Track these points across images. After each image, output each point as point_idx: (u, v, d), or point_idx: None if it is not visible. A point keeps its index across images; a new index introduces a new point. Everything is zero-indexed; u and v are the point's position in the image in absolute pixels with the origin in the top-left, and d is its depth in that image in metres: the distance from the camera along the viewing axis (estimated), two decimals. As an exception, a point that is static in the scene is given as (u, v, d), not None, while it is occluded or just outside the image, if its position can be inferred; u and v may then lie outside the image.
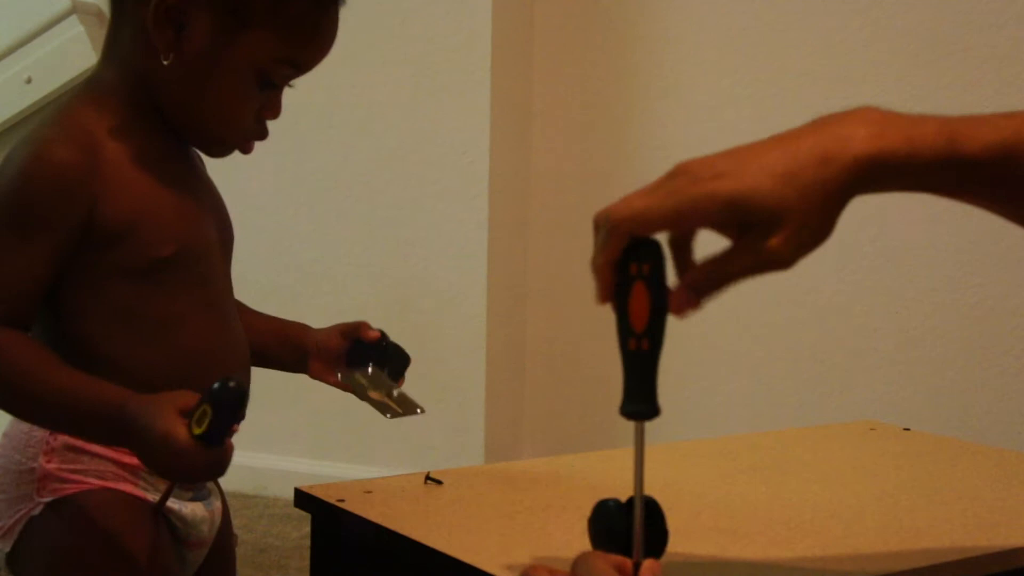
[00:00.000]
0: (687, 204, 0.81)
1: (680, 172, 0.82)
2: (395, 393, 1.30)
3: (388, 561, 1.09)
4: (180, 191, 1.18)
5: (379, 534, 1.08)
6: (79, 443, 1.15)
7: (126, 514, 1.15)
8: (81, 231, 1.11)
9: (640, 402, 0.84)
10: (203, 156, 1.27)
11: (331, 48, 1.19)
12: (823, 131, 0.82)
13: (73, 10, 3.24)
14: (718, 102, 2.96)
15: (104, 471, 1.16)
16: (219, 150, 1.22)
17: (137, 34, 1.15)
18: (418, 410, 1.28)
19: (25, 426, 1.16)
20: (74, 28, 3.25)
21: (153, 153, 1.16)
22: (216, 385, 1.00)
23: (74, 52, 3.27)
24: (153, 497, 1.18)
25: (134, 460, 1.15)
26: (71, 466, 1.15)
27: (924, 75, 2.67)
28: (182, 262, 1.17)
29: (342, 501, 1.15)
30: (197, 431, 1.01)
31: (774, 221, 0.80)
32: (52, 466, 1.15)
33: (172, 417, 1.01)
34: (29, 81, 3.31)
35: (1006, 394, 2.66)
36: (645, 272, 0.83)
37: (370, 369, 1.31)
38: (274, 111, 1.20)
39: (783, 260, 0.82)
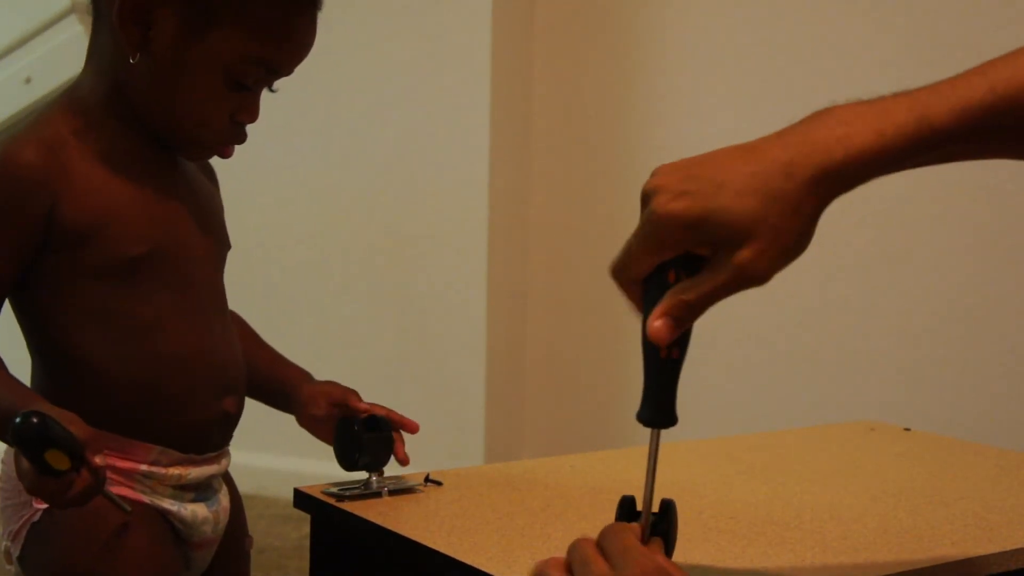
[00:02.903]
0: (652, 234, 0.80)
1: (647, 195, 0.81)
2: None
3: (388, 562, 1.09)
4: (155, 193, 1.18)
5: (379, 534, 1.08)
6: None
7: (119, 517, 1.14)
8: (42, 232, 1.11)
9: (660, 410, 0.84)
10: (211, 166, 1.27)
11: (306, 51, 1.18)
12: (787, 139, 0.81)
13: (72, 10, 3.24)
14: (718, 102, 2.96)
15: None
16: (195, 152, 1.22)
17: (112, 36, 1.15)
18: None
19: None
20: (73, 28, 3.25)
21: (126, 155, 1.16)
22: (16, 419, 0.97)
23: (73, 52, 3.26)
24: (150, 500, 1.18)
25: (128, 464, 1.17)
26: None
27: (924, 75, 2.66)
28: (156, 263, 1.16)
29: (342, 501, 1.15)
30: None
31: (742, 236, 0.79)
32: None
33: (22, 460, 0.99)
34: (28, 81, 3.31)
35: (1006, 394, 2.66)
36: (683, 279, 0.82)
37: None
38: (250, 114, 1.18)
39: (757, 275, 0.80)
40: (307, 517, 1.19)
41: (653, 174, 0.82)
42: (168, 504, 1.19)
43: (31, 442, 0.98)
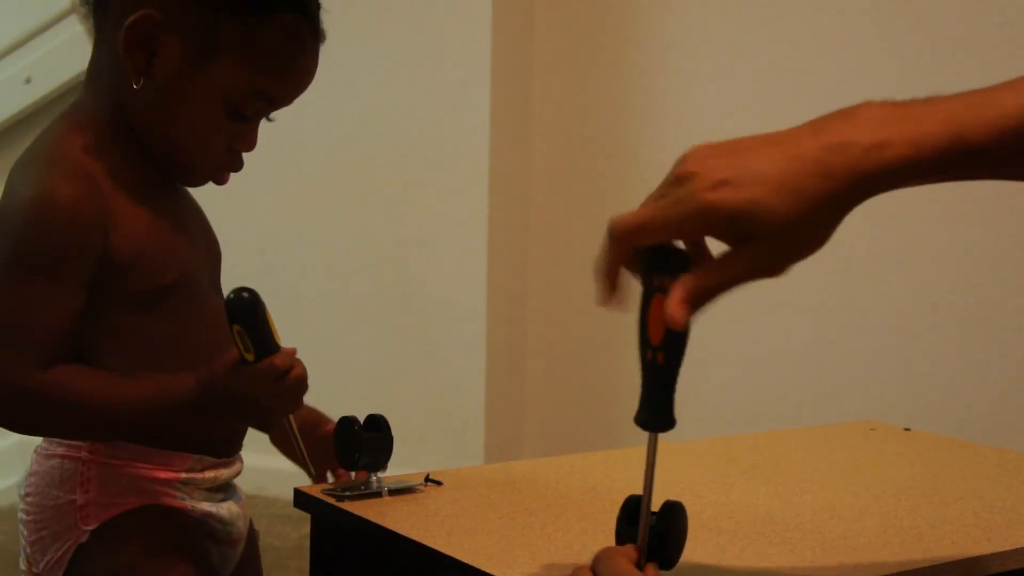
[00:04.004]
0: (688, 216, 0.80)
1: (682, 177, 0.81)
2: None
3: (388, 562, 1.09)
4: (172, 216, 1.19)
5: (379, 534, 1.08)
6: (114, 468, 1.17)
7: (169, 529, 1.18)
8: (98, 263, 1.12)
9: (654, 413, 0.83)
10: None
11: (307, 84, 1.19)
12: (824, 136, 0.80)
13: (72, 10, 3.24)
14: (718, 102, 2.96)
15: (143, 489, 1.18)
16: (191, 179, 1.22)
17: (114, 59, 1.15)
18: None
19: (56, 461, 1.18)
20: (74, 28, 3.25)
21: (142, 181, 1.17)
22: (228, 301, 1.07)
23: (74, 52, 3.26)
24: (192, 505, 1.20)
25: (169, 474, 1.18)
26: (111, 491, 1.17)
27: (924, 75, 2.67)
28: (181, 287, 1.18)
29: (342, 501, 1.15)
30: (250, 357, 1.09)
31: (774, 232, 0.80)
32: (92, 495, 1.17)
33: (231, 363, 1.09)
34: (29, 81, 3.31)
35: (1006, 394, 2.66)
36: (666, 285, 0.82)
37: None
38: (247, 144, 1.19)
39: (776, 270, 0.82)
40: (307, 517, 1.19)
41: (687, 158, 0.82)
42: (207, 506, 1.21)
43: (256, 307, 1.08)
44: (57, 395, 1.09)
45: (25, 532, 1.19)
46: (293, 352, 1.11)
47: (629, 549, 0.85)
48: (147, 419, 1.13)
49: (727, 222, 0.80)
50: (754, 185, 0.79)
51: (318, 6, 1.19)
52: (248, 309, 1.08)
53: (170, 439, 1.18)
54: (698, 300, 0.81)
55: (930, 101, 0.82)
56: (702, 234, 0.82)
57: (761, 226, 0.79)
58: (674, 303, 0.81)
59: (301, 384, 1.12)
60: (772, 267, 0.81)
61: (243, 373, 1.09)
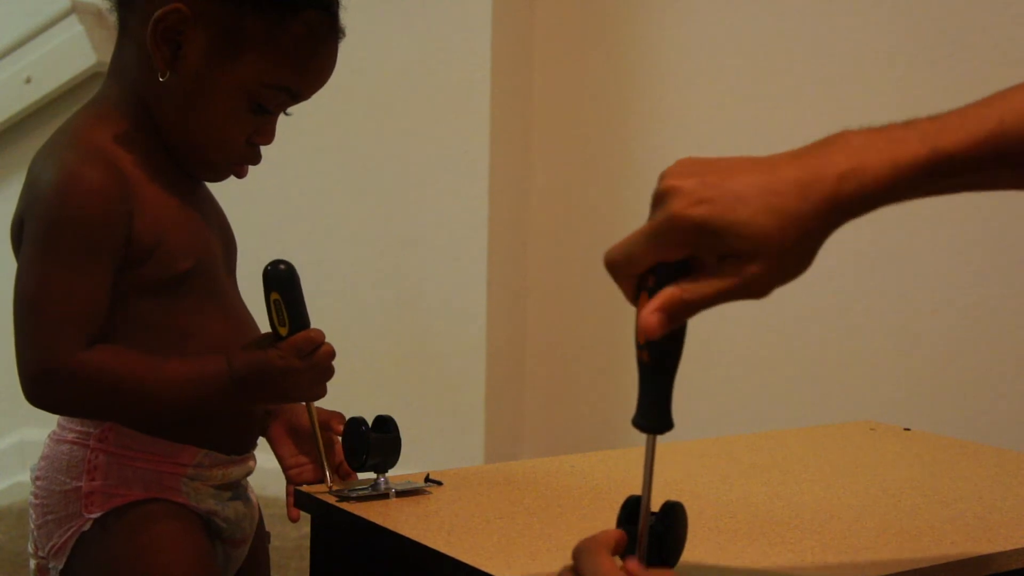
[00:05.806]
0: (664, 232, 0.81)
1: (663, 195, 0.82)
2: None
3: (388, 562, 1.09)
4: (190, 206, 1.21)
5: (379, 534, 1.08)
6: (121, 459, 1.18)
7: (172, 522, 1.18)
8: (125, 247, 1.13)
9: (649, 415, 0.83)
10: None
11: (327, 78, 1.22)
12: (803, 163, 0.82)
13: (73, 10, 3.24)
14: (718, 103, 2.96)
15: (148, 482, 1.18)
16: (212, 172, 1.23)
17: (139, 52, 1.17)
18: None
19: (65, 447, 1.19)
20: (74, 28, 3.25)
21: (162, 170, 1.18)
22: (267, 271, 1.12)
23: (74, 52, 3.27)
24: (195, 503, 1.19)
25: (176, 469, 1.19)
26: (115, 480, 1.17)
27: (924, 76, 2.67)
28: (197, 275, 1.19)
29: (342, 501, 1.15)
30: (283, 331, 1.13)
31: (751, 251, 0.80)
32: (97, 483, 1.17)
33: (262, 344, 1.14)
34: (28, 81, 3.31)
35: (1006, 394, 2.66)
36: (649, 284, 0.83)
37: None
38: (266, 137, 1.21)
39: (758, 290, 0.82)
40: (307, 517, 1.19)
41: (667, 175, 0.83)
42: (212, 504, 1.22)
43: (294, 275, 1.14)
44: (98, 375, 1.10)
45: (33, 515, 1.20)
46: (317, 335, 1.16)
47: (609, 536, 0.84)
48: (184, 399, 1.14)
49: (705, 237, 0.81)
50: (732, 204, 0.80)
51: (338, 3, 1.20)
52: (287, 278, 1.13)
53: (180, 431, 1.19)
54: (675, 312, 0.82)
55: (907, 124, 0.84)
56: (681, 250, 0.82)
57: (737, 242, 0.80)
58: (648, 311, 0.81)
59: (331, 360, 1.17)
60: (753, 288, 0.82)
61: (277, 346, 1.14)
